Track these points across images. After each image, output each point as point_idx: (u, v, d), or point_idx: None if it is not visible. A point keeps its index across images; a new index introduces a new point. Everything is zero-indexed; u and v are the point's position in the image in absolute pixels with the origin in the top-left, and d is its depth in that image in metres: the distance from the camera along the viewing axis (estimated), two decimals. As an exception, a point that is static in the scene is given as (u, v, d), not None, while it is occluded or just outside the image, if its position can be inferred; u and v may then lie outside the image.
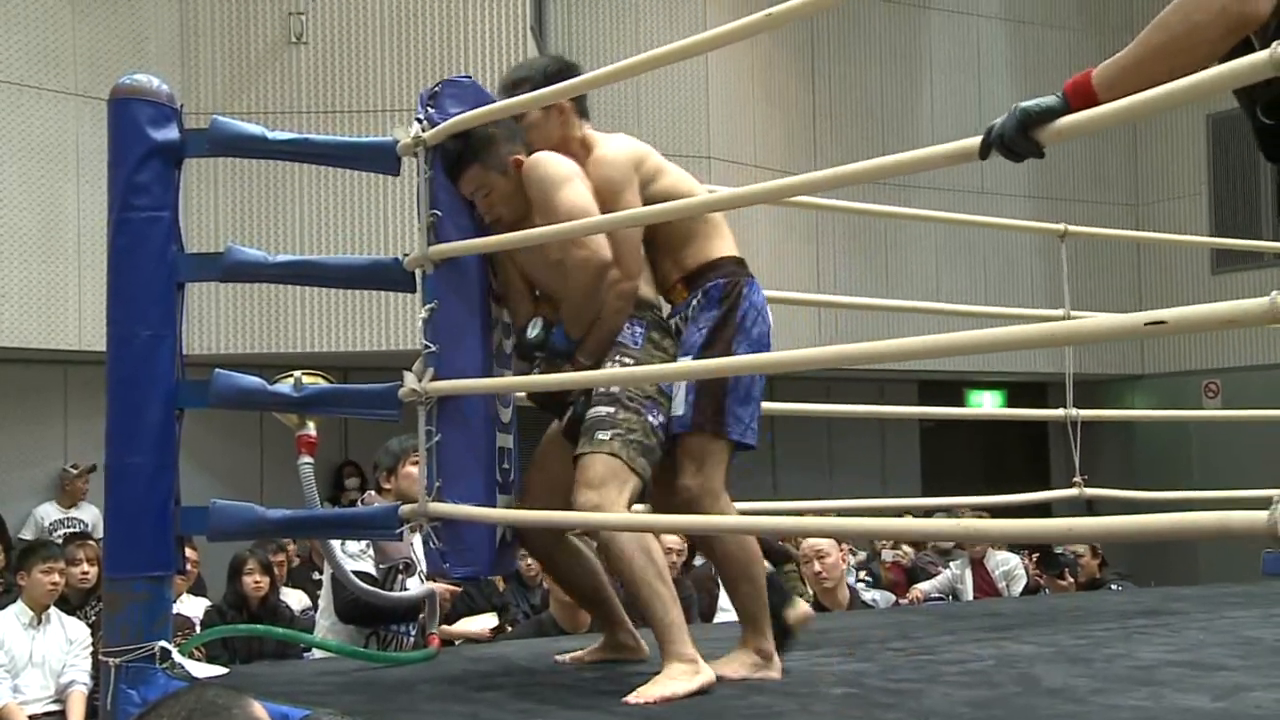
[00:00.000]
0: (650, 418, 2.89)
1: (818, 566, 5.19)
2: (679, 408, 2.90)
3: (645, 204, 2.95)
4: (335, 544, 3.56)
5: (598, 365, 2.94)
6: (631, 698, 2.64)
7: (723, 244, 3.04)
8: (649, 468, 2.88)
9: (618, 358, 2.94)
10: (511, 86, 3.08)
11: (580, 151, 3.06)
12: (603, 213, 2.88)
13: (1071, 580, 7.25)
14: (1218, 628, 3.78)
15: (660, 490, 3.04)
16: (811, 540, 5.20)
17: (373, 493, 4.17)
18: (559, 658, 3.30)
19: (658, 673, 2.74)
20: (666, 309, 3.09)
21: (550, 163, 2.97)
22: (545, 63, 3.23)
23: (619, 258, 2.91)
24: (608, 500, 2.78)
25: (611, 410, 2.87)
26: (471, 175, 2.98)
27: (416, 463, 3.98)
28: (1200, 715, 2.42)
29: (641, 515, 3.00)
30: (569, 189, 2.91)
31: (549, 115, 3.03)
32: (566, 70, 3.09)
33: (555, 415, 3.07)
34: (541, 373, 2.97)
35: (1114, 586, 7.02)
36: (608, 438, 2.84)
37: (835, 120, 11.35)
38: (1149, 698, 2.59)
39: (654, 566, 2.78)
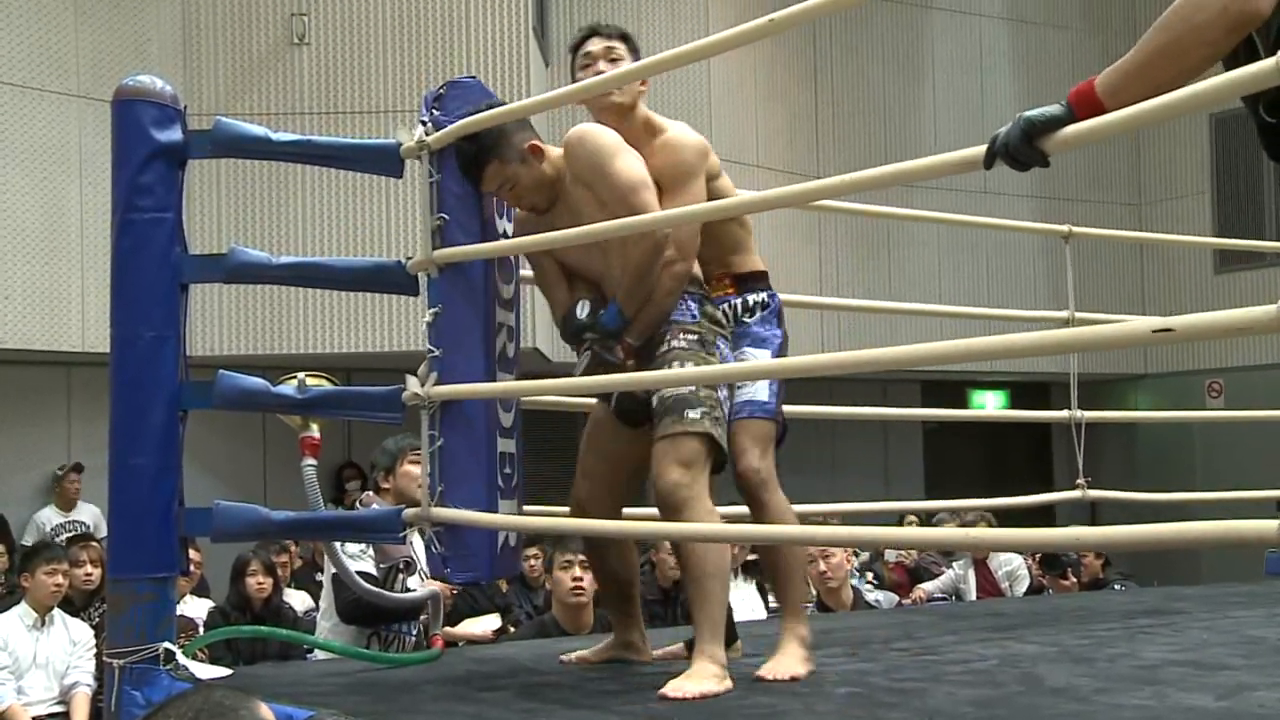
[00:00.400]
0: (721, 393, 2.94)
1: (822, 566, 5.18)
2: (761, 393, 2.99)
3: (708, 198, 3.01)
4: (338, 544, 3.56)
5: (646, 345, 2.95)
6: (669, 691, 2.66)
7: (756, 254, 3.20)
8: (724, 450, 2.92)
9: (679, 334, 2.94)
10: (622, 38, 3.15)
11: (642, 131, 3.05)
12: (670, 193, 2.92)
13: (1075, 580, 7.25)
14: (1221, 627, 3.78)
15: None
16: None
17: (370, 493, 4.17)
18: (564, 657, 3.30)
19: (672, 674, 2.76)
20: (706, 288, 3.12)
21: (599, 134, 2.96)
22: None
23: (677, 240, 2.91)
24: (697, 483, 2.82)
25: (692, 387, 2.87)
26: (492, 172, 2.97)
27: (414, 461, 4.01)
28: (1204, 715, 2.42)
29: (654, 525, 3.02)
30: (622, 159, 2.92)
31: (627, 92, 3.03)
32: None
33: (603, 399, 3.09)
34: (590, 353, 2.96)
35: (1117, 586, 7.02)
36: (698, 416, 2.84)
37: (838, 120, 11.34)
38: (1152, 697, 2.59)
39: (723, 565, 2.87)
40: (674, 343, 2.93)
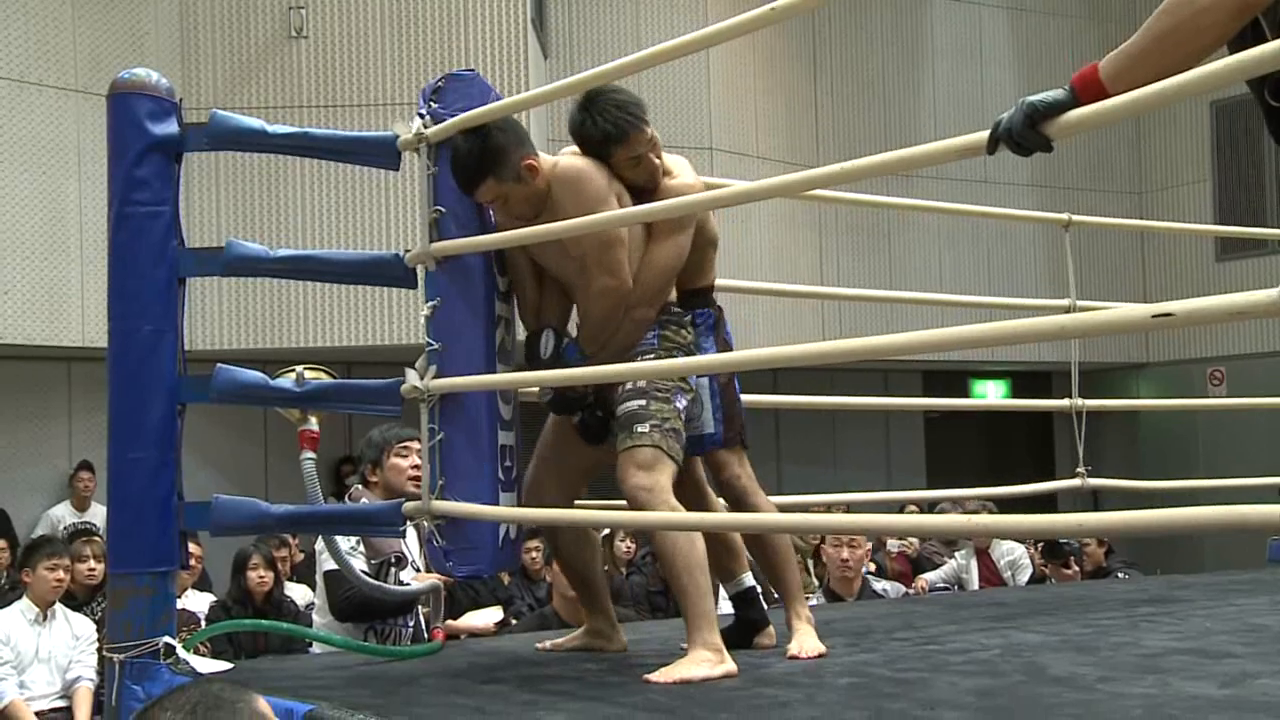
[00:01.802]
0: (678, 403, 2.99)
1: (845, 554, 5.16)
2: (708, 425, 3.13)
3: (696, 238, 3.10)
4: (342, 539, 3.55)
5: (610, 385, 3.01)
6: (653, 676, 2.75)
7: (710, 269, 3.26)
8: (681, 452, 2.98)
9: (639, 358, 3.01)
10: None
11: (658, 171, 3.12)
12: (661, 236, 3.02)
13: (1077, 569, 7.24)
14: (1224, 615, 3.77)
15: (679, 487, 3.13)
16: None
17: (359, 487, 4.15)
18: (539, 645, 3.39)
19: (668, 662, 2.81)
20: (674, 308, 3.16)
21: (590, 181, 2.97)
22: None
23: (647, 288, 3.01)
24: (658, 484, 2.87)
25: (643, 403, 2.94)
26: (487, 188, 2.98)
27: (401, 454, 4.00)
28: (1207, 703, 2.41)
29: (630, 514, 3.04)
30: (612, 255, 2.97)
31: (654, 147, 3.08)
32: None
33: (569, 416, 3.15)
34: (556, 396, 3.10)
35: (1120, 575, 7.00)
36: (646, 430, 2.92)
37: (838, 110, 11.33)
38: (1155, 685, 2.58)
39: (697, 556, 2.89)
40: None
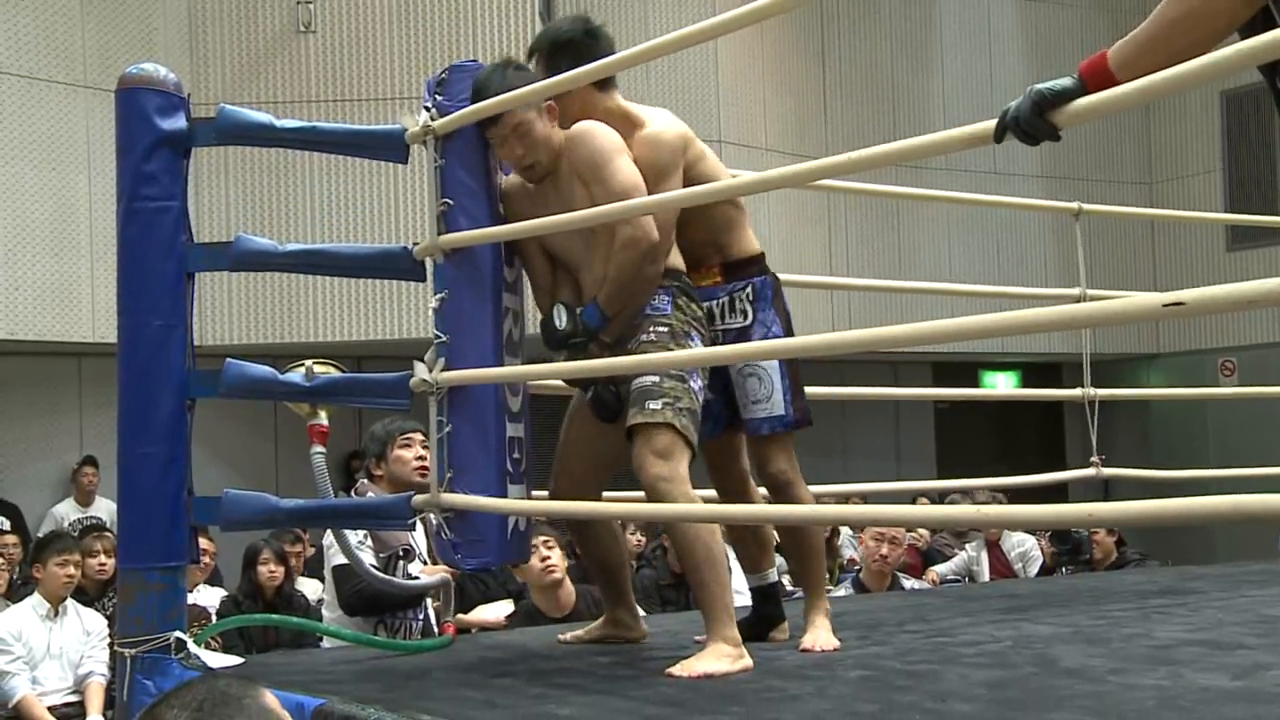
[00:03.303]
0: (693, 382, 2.93)
1: (885, 550, 5.14)
2: (778, 407, 3.06)
3: (688, 185, 2.98)
4: (351, 534, 3.55)
5: (619, 340, 2.98)
6: (676, 670, 2.73)
7: (753, 237, 3.16)
8: (696, 434, 2.93)
9: (650, 327, 2.96)
10: (535, 53, 3.13)
11: (620, 124, 3.05)
12: (649, 184, 2.93)
13: (1089, 556, 7.17)
14: (1236, 606, 3.76)
15: (719, 474, 3.17)
16: None
17: (365, 481, 4.15)
18: (561, 637, 3.37)
19: (683, 657, 2.80)
20: (686, 278, 3.10)
21: (602, 134, 2.97)
22: (560, 29, 3.19)
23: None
24: (677, 473, 2.83)
25: (656, 379, 2.88)
26: (511, 113, 2.93)
27: (405, 445, 4.01)
28: (1219, 694, 2.40)
29: (649, 505, 3.02)
30: (621, 162, 2.93)
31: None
32: (584, 37, 3.10)
33: (583, 391, 3.12)
34: (569, 358, 2.99)
35: (1138, 560, 6.94)
36: (659, 407, 2.86)
37: (847, 101, 11.30)
38: (1167, 677, 2.57)
39: (718, 549, 2.87)
40: (643, 336, 2.96)
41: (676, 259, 3.05)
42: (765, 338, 3.10)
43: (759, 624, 3.21)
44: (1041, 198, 9.28)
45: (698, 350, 2.95)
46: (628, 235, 2.89)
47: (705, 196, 2.85)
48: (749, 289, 3.12)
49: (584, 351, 2.95)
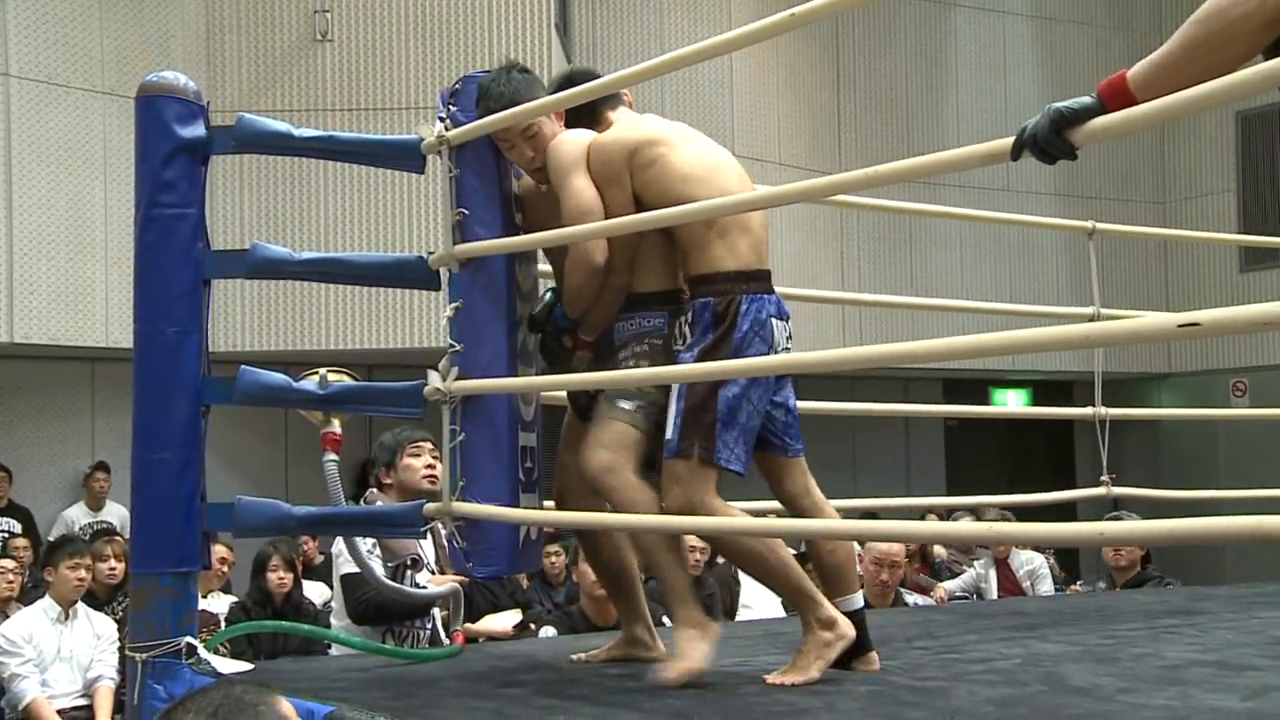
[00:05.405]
0: (675, 404, 2.89)
1: (885, 575, 5.13)
2: (667, 431, 2.86)
3: (637, 192, 2.94)
4: (360, 542, 3.56)
5: (606, 343, 3.01)
6: (662, 675, 2.75)
7: (728, 253, 2.90)
8: (653, 436, 2.91)
9: (644, 341, 2.98)
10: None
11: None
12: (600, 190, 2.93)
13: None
14: (1247, 627, 3.75)
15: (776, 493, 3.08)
16: (884, 546, 5.11)
17: (374, 490, 4.17)
18: (574, 657, 3.29)
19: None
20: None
21: (565, 149, 2.98)
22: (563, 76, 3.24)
23: (609, 254, 2.96)
24: (618, 463, 2.85)
25: (638, 389, 2.91)
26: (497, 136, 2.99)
27: (414, 454, 4.02)
28: (1229, 715, 2.40)
29: (668, 518, 2.99)
30: (573, 182, 2.94)
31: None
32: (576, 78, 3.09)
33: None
34: (543, 346, 3.07)
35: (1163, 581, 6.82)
36: (631, 408, 2.89)
37: (861, 118, 11.32)
38: (1177, 697, 2.57)
39: (660, 540, 2.88)
40: (636, 348, 2.99)
41: (673, 281, 3.02)
42: (684, 359, 2.86)
43: (846, 651, 2.90)
44: (1055, 216, 9.29)
45: (706, 365, 2.80)
46: (573, 254, 2.97)
47: (704, 213, 2.79)
48: (690, 312, 2.94)
49: (556, 342, 3.04)
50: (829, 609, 2.85)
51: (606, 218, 2.92)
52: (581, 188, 2.94)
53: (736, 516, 2.90)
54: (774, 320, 2.91)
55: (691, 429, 2.82)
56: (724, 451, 2.83)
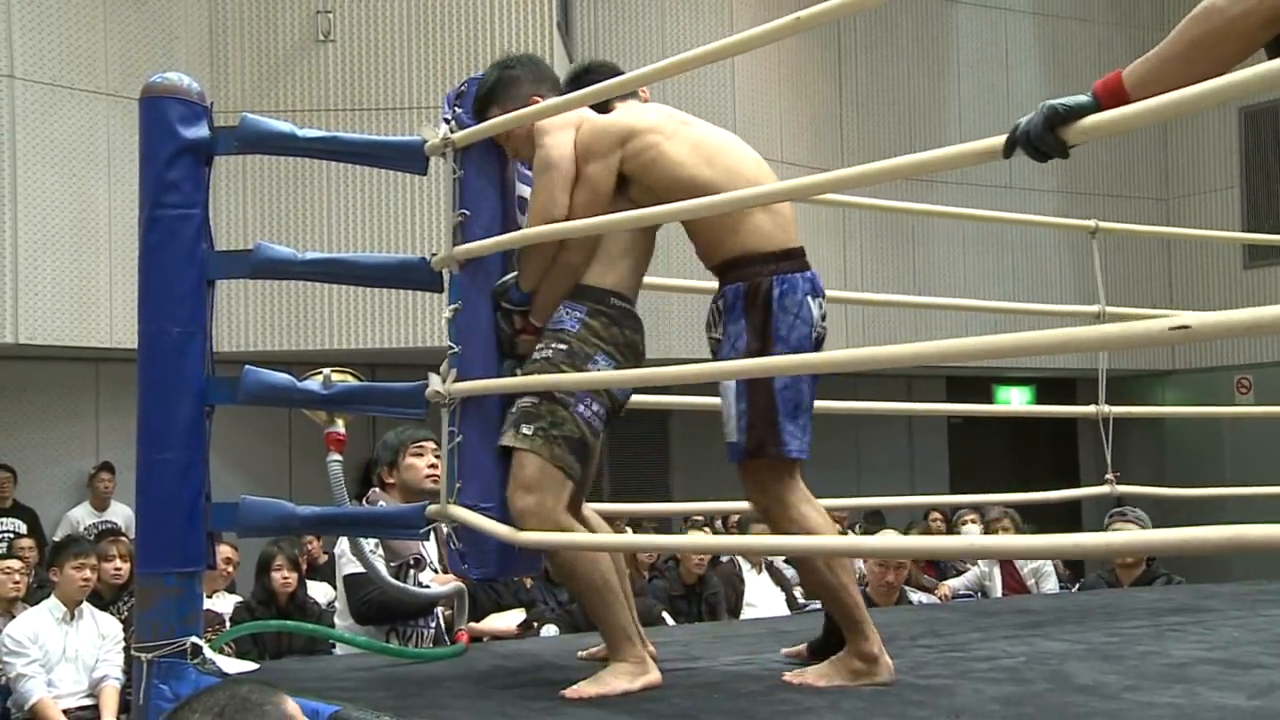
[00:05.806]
0: (580, 408, 2.83)
1: (890, 577, 5.11)
2: (731, 435, 2.83)
3: (630, 177, 2.92)
4: (364, 542, 3.56)
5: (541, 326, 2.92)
6: (568, 692, 2.71)
7: (749, 235, 2.86)
8: (578, 465, 2.83)
9: (552, 342, 2.88)
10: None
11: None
12: (577, 172, 2.88)
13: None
14: (1253, 625, 3.75)
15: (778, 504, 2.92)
16: None
17: (377, 490, 4.17)
18: (581, 654, 3.31)
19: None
20: (618, 301, 2.97)
21: (544, 143, 2.92)
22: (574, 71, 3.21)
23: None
24: (545, 507, 2.77)
25: (536, 400, 2.82)
26: (492, 116, 2.97)
27: (416, 453, 4.02)
28: (1235, 713, 2.40)
29: (682, 538, 2.99)
30: (547, 138, 2.91)
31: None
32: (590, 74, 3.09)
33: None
34: (498, 322, 2.96)
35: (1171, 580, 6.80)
36: (530, 433, 2.80)
37: (862, 116, 11.31)
38: (1183, 695, 2.56)
39: (598, 577, 2.80)
40: (543, 351, 2.88)
41: (604, 278, 2.93)
42: (729, 354, 2.83)
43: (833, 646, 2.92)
44: (1057, 213, 9.29)
45: (722, 364, 2.79)
46: (532, 207, 2.91)
47: (703, 210, 2.79)
48: (721, 300, 2.89)
49: (507, 321, 2.93)
50: (874, 645, 2.77)
51: (583, 190, 2.88)
52: (548, 144, 2.89)
53: (818, 514, 2.86)
54: (808, 299, 2.88)
55: (757, 427, 2.80)
56: (792, 443, 2.81)
